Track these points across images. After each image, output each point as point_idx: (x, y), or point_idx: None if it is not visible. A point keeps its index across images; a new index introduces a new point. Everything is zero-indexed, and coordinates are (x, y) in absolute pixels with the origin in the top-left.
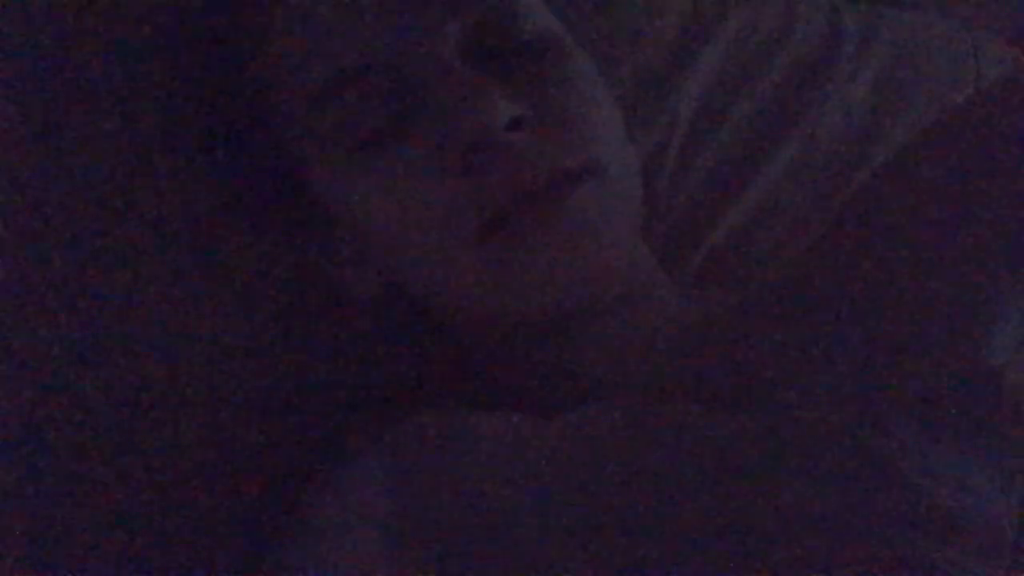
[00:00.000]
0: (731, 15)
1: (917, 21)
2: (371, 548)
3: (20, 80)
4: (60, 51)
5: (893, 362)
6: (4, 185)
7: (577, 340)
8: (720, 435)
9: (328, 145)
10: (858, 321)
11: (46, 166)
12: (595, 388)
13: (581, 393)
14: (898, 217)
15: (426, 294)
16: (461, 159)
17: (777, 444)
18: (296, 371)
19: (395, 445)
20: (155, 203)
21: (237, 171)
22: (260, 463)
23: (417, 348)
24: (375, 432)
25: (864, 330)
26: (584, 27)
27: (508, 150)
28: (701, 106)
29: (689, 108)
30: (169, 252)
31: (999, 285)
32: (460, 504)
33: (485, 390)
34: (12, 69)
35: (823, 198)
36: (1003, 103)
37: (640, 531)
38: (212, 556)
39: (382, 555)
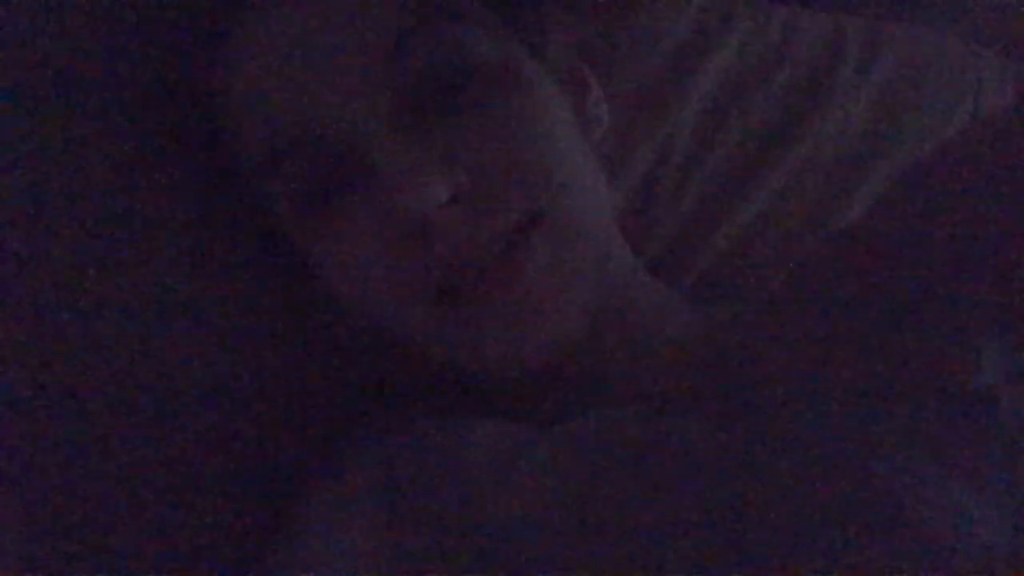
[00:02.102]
0: (734, 28)
1: (919, 36)
2: (366, 553)
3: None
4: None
5: (889, 381)
6: (5, 187)
7: (568, 362)
8: (716, 447)
9: (280, 203)
10: (855, 338)
11: (46, 170)
12: (592, 399)
13: (578, 404)
14: (897, 236)
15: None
16: (400, 238)
17: (772, 460)
18: (294, 374)
19: (393, 451)
20: (152, 207)
21: (222, 192)
22: (257, 466)
23: (415, 355)
24: (372, 437)
25: (860, 347)
26: (585, 39)
27: (446, 226)
28: (703, 118)
29: (690, 120)
30: (167, 255)
31: (989, 309)
32: (456, 511)
33: (482, 398)
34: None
35: (822, 212)
36: (1002, 135)
37: (636, 540)
38: (210, 558)
39: (377, 560)
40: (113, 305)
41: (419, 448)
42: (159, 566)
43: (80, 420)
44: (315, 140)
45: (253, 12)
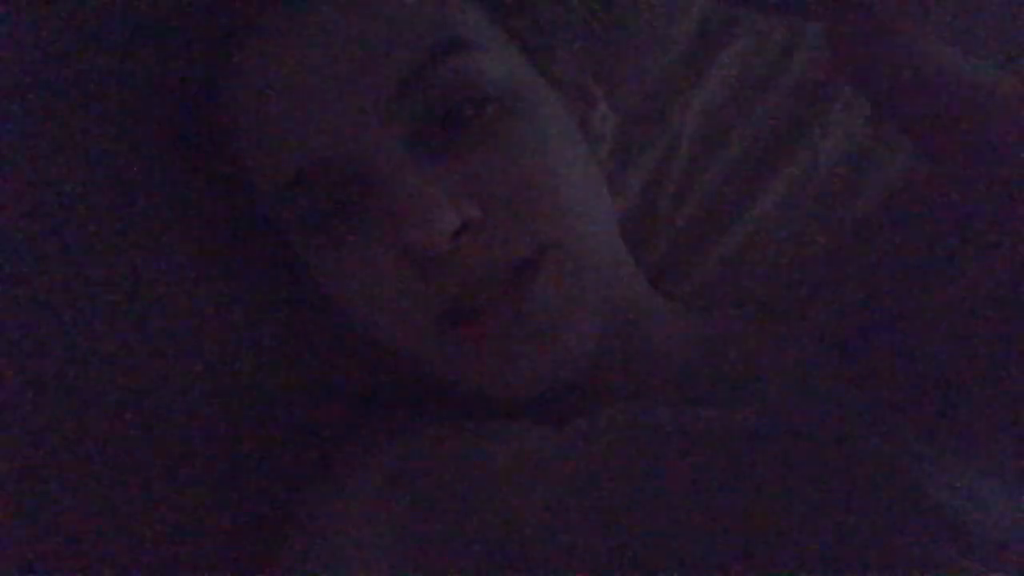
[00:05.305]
0: (736, 36)
1: None
2: (377, 554)
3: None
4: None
5: (904, 375)
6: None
7: (573, 377)
8: (731, 441)
9: (291, 226)
10: (867, 334)
11: (51, 169)
12: (601, 401)
13: (588, 404)
14: (905, 236)
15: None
16: (409, 265)
17: (789, 452)
18: (303, 373)
19: (411, 451)
20: (160, 213)
21: (233, 202)
22: (265, 466)
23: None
24: (384, 438)
25: (873, 343)
26: (588, 46)
27: (456, 256)
28: (704, 126)
29: (692, 128)
30: (173, 256)
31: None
32: (469, 512)
33: (491, 406)
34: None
35: (824, 219)
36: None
37: (650, 537)
38: (214, 558)
39: (388, 561)
40: (120, 311)
41: (437, 448)
42: (165, 566)
43: (83, 422)
44: (326, 170)
45: (264, 41)
